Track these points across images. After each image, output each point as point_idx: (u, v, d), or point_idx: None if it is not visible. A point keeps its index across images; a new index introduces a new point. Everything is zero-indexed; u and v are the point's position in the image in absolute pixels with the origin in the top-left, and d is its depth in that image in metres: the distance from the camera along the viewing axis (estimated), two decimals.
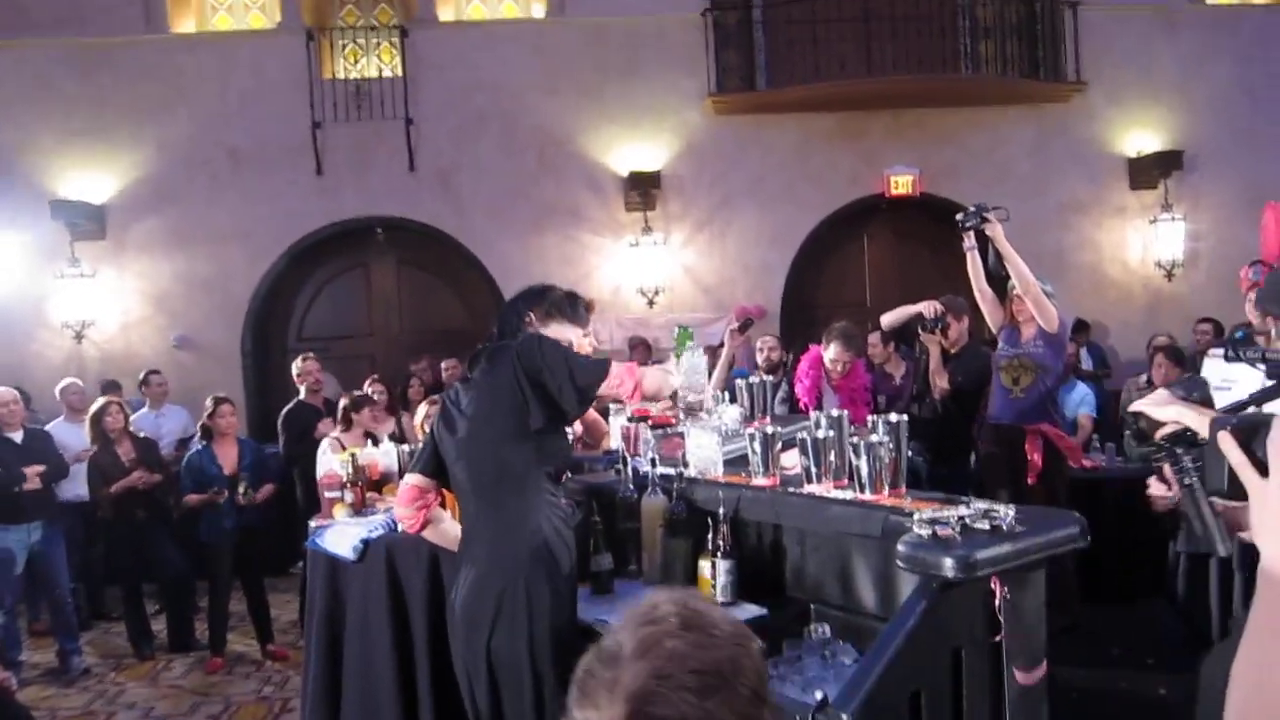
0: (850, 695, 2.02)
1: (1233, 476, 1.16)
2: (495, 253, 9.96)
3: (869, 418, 2.87)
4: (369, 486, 4.85)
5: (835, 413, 2.95)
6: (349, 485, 4.69)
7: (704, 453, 3.33)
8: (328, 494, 4.86)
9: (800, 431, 2.96)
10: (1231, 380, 3.60)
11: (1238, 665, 1.03)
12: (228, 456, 6.35)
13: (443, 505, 3.18)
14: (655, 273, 9.99)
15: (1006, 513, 2.31)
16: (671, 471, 3.27)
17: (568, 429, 3.13)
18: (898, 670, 2.07)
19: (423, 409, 5.49)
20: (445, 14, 10.35)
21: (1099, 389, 8.51)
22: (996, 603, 2.22)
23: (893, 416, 2.81)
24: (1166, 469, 1.65)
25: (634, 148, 10.02)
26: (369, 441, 5.73)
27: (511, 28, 10.33)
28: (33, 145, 9.58)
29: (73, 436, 6.90)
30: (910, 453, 3.01)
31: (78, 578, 7.05)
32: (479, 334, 10.16)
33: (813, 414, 3.02)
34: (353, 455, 4.83)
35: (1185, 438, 1.63)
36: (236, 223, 9.77)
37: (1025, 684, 2.28)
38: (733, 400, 3.91)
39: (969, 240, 5.44)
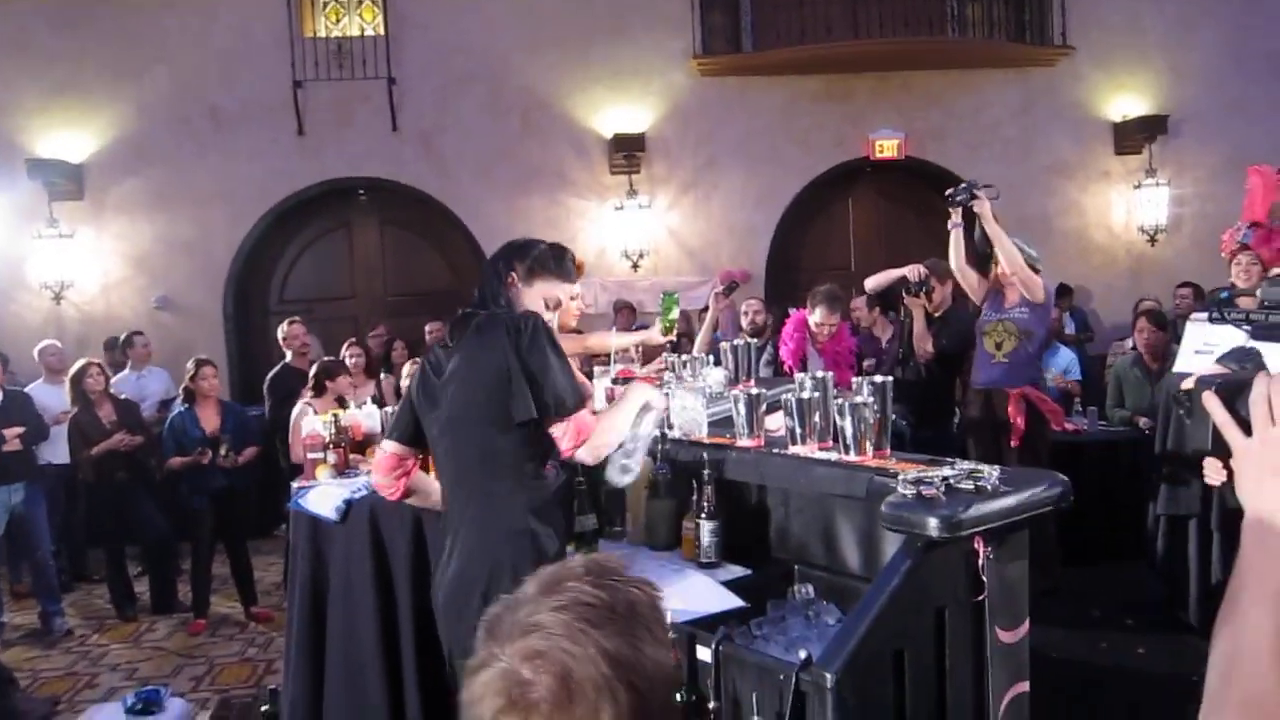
0: (834, 654, 2.04)
1: (1217, 435, 1.17)
2: (479, 215, 9.88)
3: (854, 380, 2.87)
4: (352, 448, 4.83)
5: (820, 374, 2.96)
6: (331, 446, 4.68)
7: (689, 414, 3.33)
8: (310, 455, 4.84)
9: (785, 393, 2.96)
10: (1213, 344, 3.62)
11: (1221, 622, 1.03)
12: (210, 419, 6.33)
13: (424, 468, 3.06)
14: (640, 236, 9.95)
15: (991, 473, 2.32)
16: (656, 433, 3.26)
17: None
18: (881, 629, 2.08)
19: (407, 369, 5.45)
20: None
21: (1082, 353, 8.58)
22: (980, 562, 2.23)
23: (877, 378, 2.82)
24: None
25: (619, 110, 9.94)
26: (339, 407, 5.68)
27: None
28: (10, 104, 9.42)
29: (52, 398, 6.86)
30: (894, 416, 3.01)
31: (59, 540, 7.04)
32: (463, 296, 10.15)
33: (798, 375, 3.02)
34: (335, 416, 4.80)
35: None
36: (217, 183, 9.65)
37: (1007, 643, 2.30)
38: (717, 363, 3.90)
39: (955, 217, 5.47)
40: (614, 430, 2.66)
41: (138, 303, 9.60)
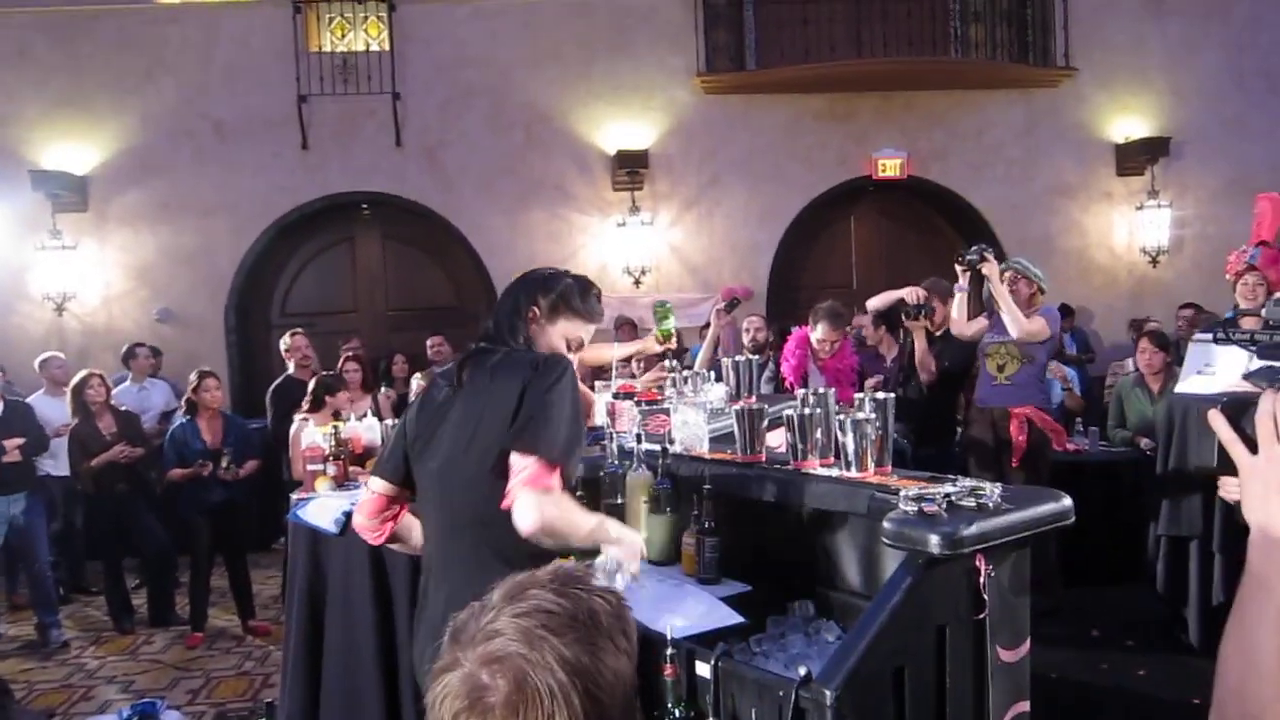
0: (833, 671, 2.02)
1: (1222, 453, 1.17)
2: (481, 230, 9.91)
3: (856, 396, 2.87)
4: (351, 460, 4.84)
5: (822, 390, 2.95)
6: (331, 458, 4.68)
7: (690, 429, 3.32)
8: (309, 467, 4.84)
9: (787, 409, 2.95)
10: (1213, 366, 3.61)
11: (1227, 640, 1.03)
12: (212, 431, 6.33)
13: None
14: (642, 252, 9.97)
15: (993, 490, 2.31)
16: (656, 447, 3.25)
17: None
18: (881, 647, 2.07)
19: (415, 381, 5.44)
20: None
21: (1082, 373, 8.59)
22: (981, 580, 2.22)
23: (880, 394, 2.81)
24: None
25: (622, 126, 9.98)
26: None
27: (499, 2, 10.22)
28: (13, 115, 9.46)
29: (54, 410, 6.85)
30: (895, 434, 3.00)
31: (58, 551, 7.02)
32: (465, 311, 10.20)
33: (799, 391, 3.01)
34: (335, 429, 4.81)
35: None
36: (221, 196, 9.69)
37: (1008, 662, 2.28)
38: (719, 379, 3.90)
39: (962, 281, 5.64)
40: (573, 525, 2.32)
41: (140, 315, 9.61)
